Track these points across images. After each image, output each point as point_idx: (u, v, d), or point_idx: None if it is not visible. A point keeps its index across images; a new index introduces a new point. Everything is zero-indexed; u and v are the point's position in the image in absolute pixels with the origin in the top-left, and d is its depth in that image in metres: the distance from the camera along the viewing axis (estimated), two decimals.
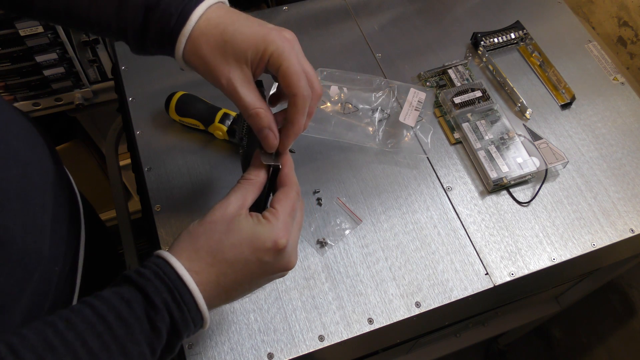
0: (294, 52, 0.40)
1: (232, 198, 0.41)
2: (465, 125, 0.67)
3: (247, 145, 0.50)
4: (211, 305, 0.39)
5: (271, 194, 0.45)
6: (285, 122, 0.42)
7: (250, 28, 0.40)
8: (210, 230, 0.39)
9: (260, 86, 0.43)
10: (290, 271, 0.42)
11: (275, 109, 0.45)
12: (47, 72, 0.90)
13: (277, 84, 0.46)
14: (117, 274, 0.72)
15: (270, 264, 0.40)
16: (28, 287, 0.42)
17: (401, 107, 0.68)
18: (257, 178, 0.42)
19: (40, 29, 0.83)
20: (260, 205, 0.43)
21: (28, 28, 0.82)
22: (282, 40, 0.40)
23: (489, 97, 0.69)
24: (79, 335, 0.33)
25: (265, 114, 0.41)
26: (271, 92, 0.46)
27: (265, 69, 0.42)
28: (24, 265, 0.42)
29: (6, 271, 0.39)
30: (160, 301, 0.35)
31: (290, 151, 0.46)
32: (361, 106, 0.68)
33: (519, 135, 0.67)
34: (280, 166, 0.43)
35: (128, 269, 0.69)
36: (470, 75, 0.72)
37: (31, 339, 0.32)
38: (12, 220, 0.40)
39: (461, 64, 0.73)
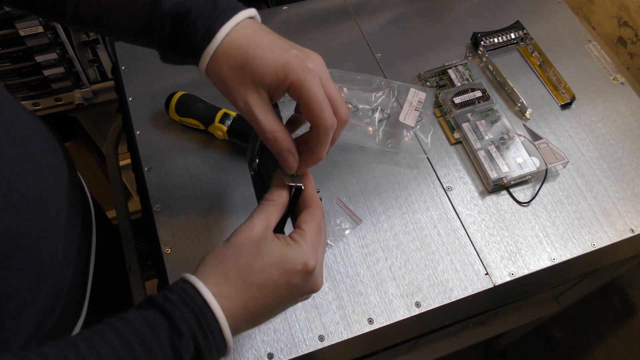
0: (316, 82, 0.38)
1: (256, 219, 0.39)
2: (465, 125, 0.67)
3: (259, 165, 0.49)
4: (237, 331, 0.38)
5: (289, 217, 0.44)
6: (307, 148, 0.41)
7: (272, 53, 0.38)
8: (237, 253, 0.38)
9: (275, 107, 0.42)
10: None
11: (298, 130, 0.44)
12: (47, 72, 0.90)
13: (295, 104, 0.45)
14: (125, 281, 0.71)
15: (299, 287, 0.39)
16: (42, 291, 0.42)
17: (401, 107, 0.68)
18: (280, 199, 0.41)
19: (40, 29, 0.83)
20: (279, 226, 0.42)
21: (28, 28, 0.82)
22: (302, 70, 0.38)
23: (489, 97, 0.69)
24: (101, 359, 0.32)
25: (283, 137, 0.40)
26: (291, 116, 0.45)
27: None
28: (38, 268, 0.42)
29: (21, 274, 0.39)
30: (186, 328, 0.34)
31: None
32: (361, 106, 0.68)
33: (519, 135, 0.67)
34: (303, 187, 0.42)
35: (129, 269, 0.69)
36: (470, 75, 0.72)
37: (52, 359, 0.31)
38: (28, 223, 0.40)
39: (461, 64, 0.73)
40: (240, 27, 0.39)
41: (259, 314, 0.38)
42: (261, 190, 0.47)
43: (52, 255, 0.44)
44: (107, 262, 0.62)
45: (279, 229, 0.42)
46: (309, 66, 0.38)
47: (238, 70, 0.39)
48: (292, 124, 0.44)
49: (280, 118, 0.43)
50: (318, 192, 0.63)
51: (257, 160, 0.49)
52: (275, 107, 0.42)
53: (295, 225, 0.42)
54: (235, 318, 0.37)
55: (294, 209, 0.43)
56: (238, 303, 0.37)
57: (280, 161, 0.41)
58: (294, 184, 0.42)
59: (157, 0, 0.40)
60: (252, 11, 0.41)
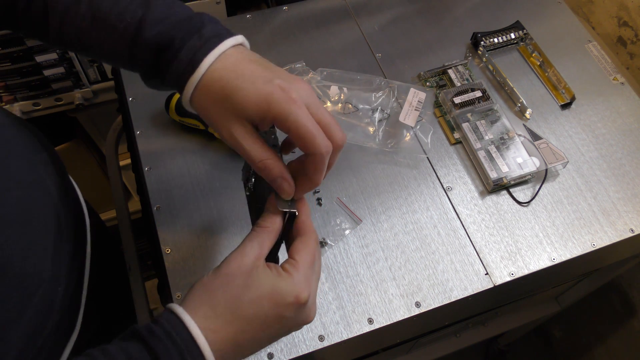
0: (302, 112, 0.36)
1: (247, 247, 0.38)
2: (465, 125, 0.67)
3: (254, 186, 0.48)
4: None
5: (283, 242, 0.43)
6: (303, 173, 0.40)
7: (254, 85, 0.37)
8: (227, 283, 0.36)
9: (272, 126, 0.41)
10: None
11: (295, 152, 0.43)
12: (47, 72, 0.90)
13: None
14: (123, 286, 0.70)
15: (290, 319, 0.38)
16: (27, 310, 0.41)
17: (401, 107, 0.68)
18: (273, 225, 0.40)
19: None
20: (273, 253, 0.41)
21: None
22: (285, 102, 0.36)
23: (489, 97, 0.69)
24: None
25: (273, 164, 0.38)
26: (285, 138, 0.43)
27: None
28: (22, 288, 0.40)
29: (3, 295, 0.38)
30: None
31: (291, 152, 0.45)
32: (361, 106, 0.68)
33: (519, 135, 0.67)
34: (297, 213, 0.41)
35: (128, 268, 0.69)
36: (470, 75, 0.72)
37: None
38: (10, 244, 0.39)
39: (461, 64, 0.73)
40: (223, 57, 0.38)
41: (248, 347, 0.37)
42: (256, 211, 0.45)
43: (38, 275, 0.42)
44: (104, 270, 0.61)
45: (272, 255, 0.41)
46: (293, 96, 0.37)
47: (219, 102, 0.38)
48: (287, 146, 0.43)
49: (276, 139, 0.42)
50: (318, 191, 0.63)
51: (253, 180, 0.47)
52: (272, 126, 0.41)
53: (288, 252, 0.40)
54: (223, 352, 0.35)
55: (288, 235, 0.42)
56: (226, 337, 0.36)
57: (275, 188, 0.40)
58: (287, 210, 0.40)
59: (140, 28, 0.39)
60: (238, 38, 0.40)
